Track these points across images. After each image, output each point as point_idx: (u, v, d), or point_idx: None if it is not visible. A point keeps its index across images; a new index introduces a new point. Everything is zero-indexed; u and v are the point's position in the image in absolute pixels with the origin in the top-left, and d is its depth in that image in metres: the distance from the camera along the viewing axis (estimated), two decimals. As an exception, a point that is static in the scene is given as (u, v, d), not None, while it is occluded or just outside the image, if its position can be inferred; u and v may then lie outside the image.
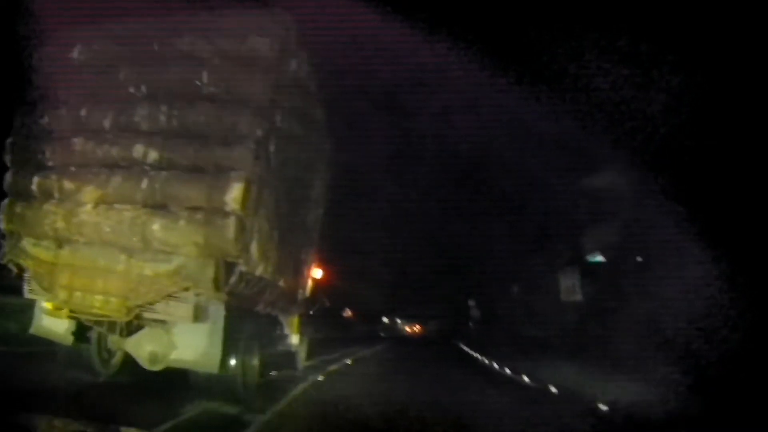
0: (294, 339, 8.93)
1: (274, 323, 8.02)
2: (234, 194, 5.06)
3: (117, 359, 6.82)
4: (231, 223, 5.05)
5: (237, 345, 5.97)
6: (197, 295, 5.29)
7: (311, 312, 10.05)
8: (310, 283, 8.63)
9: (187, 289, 5.28)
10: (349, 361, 13.23)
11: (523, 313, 23.75)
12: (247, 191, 5.14)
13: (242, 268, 5.41)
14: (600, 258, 17.32)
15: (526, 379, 12.03)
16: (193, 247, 5.14)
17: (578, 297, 18.65)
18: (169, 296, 5.36)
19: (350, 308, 28.93)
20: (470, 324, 33.57)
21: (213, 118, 5.40)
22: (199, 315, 5.40)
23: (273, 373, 8.44)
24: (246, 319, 6.21)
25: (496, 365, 15.71)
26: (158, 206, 5.38)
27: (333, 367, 11.11)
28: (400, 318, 48.09)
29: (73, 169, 5.91)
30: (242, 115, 5.32)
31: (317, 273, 8.88)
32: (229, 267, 5.29)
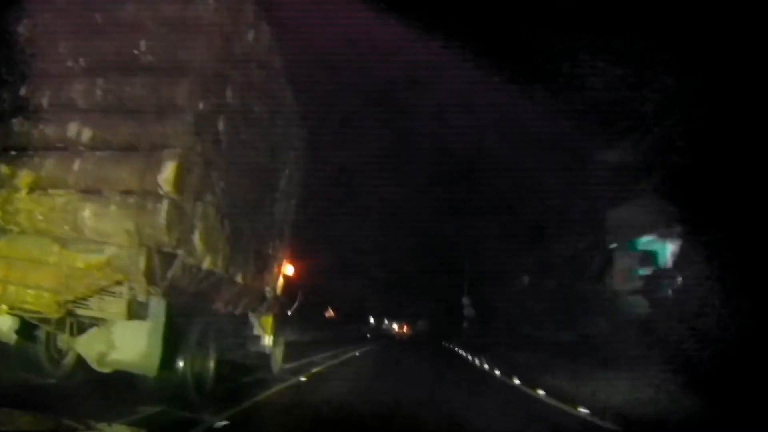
0: (267, 340, 8.35)
1: (242, 323, 7.45)
2: (167, 174, 4.49)
3: (69, 360, 6.29)
4: (163, 208, 4.47)
5: (185, 345, 5.39)
6: (131, 289, 4.72)
7: (289, 312, 9.48)
8: (281, 280, 8.04)
9: (119, 283, 4.71)
10: (303, 375, 10.08)
11: (535, 309, 21.26)
12: (182, 171, 4.56)
13: (184, 259, 4.84)
14: (656, 238, 14.08)
15: (583, 411, 7.80)
16: (124, 235, 4.57)
17: (636, 284, 14.92)
18: (103, 290, 4.81)
19: (333, 307, 27.56)
20: (464, 324, 31.01)
21: (150, 90, 4.85)
22: (134, 311, 4.82)
23: (241, 376, 7.91)
24: (198, 317, 5.64)
25: (517, 382, 11.55)
26: (91, 190, 4.83)
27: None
28: (388, 318, 46.63)
29: (12, 153, 5.41)
30: (180, 84, 4.74)
31: (289, 269, 8.28)
32: (168, 258, 4.72)
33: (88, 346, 5.45)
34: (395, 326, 47.19)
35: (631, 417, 7.06)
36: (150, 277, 4.55)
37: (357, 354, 18.50)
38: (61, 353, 6.21)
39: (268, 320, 8.34)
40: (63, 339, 5.79)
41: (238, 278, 5.94)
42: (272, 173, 6.84)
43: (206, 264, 5.14)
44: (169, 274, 4.71)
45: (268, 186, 6.72)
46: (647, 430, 6.68)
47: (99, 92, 5.07)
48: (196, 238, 4.89)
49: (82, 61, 5.33)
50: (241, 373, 7.75)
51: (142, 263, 4.52)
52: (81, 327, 5.57)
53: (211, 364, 5.98)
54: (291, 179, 7.65)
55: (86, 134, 5.00)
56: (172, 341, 5.12)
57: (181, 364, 5.34)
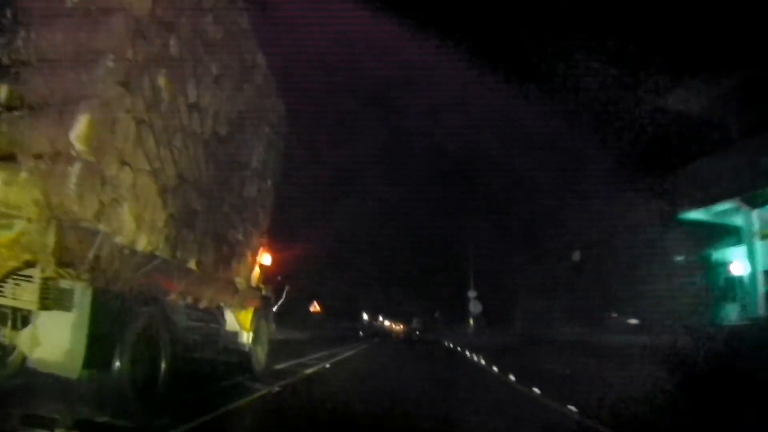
0: (245, 338, 7.53)
1: (212, 318, 6.63)
2: (79, 129, 3.70)
3: (15, 358, 5.55)
4: (74, 171, 3.67)
5: (122, 342, 4.57)
6: (43, 271, 3.94)
7: (274, 307, 8.66)
8: (257, 270, 7.20)
9: (31, 264, 3.94)
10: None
11: (590, 299, 14.38)
12: (99, 127, 3.76)
13: (111, 238, 4.04)
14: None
15: None
16: (33, 207, 3.79)
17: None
18: (15, 273, 4.04)
19: (322, 303, 25.26)
20: (470, 321, 25.89)
21: (72, 37, 4.07)
22: (49, 299, 4.04)
23: (214, 379, 7.07)
24: (141, 309, 4.81)
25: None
26: (5, 156, 4.08)
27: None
28: (384, 315, 44.17)
29: None
30: (102, 25, 3.96)
31: (266, 259, 7.42)
32: (88, 235, 3.92)
33: (26, 342, 4.71)
34: (392, 324, 44.72)
35: None
36: (61, 256, 3.75)
37: (327, 366, 11.72)
38: (6, 350, 5.48)
39: (247, 315, 7.53)
40: (5, 333, 5.05)
41: (191, 265, 5.11)
42: (239, 147, 6.00)
43: (142, 245, 4.32)
44: (91, 255, 3.92)
45: (233, 162, 5.89)
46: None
47: (19, 43, 4.33)
48: (125, 211, 4.08)
49: (8, 13, 4.61)
50: (213, 375, 6.93)
51: (51, 239, 3.73)
52: (26, 320, 4.82)
53: (163, 366, 5.15)
54: (266, 158, 6.82)
55: (3, 92, 4.26)
56: (103, 337, 4.32)
57: (117, 364, 4.52)
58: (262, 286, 7.87)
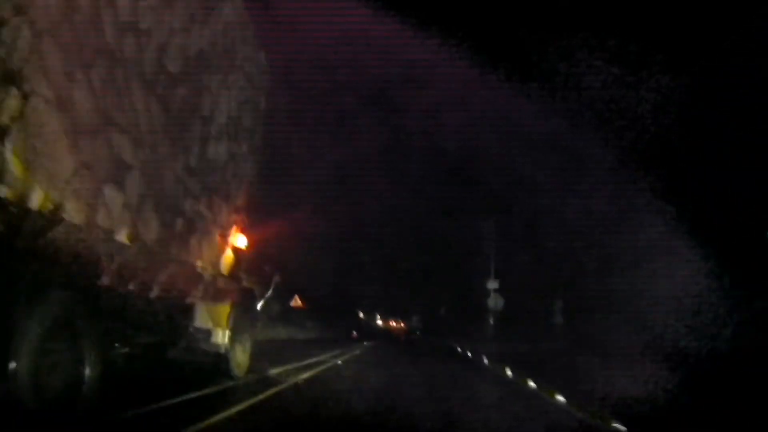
0: (220, 337, 6.31)
1: (171, 312, 5.42)
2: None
3: None
4: None
5: (20, 339, 3.36)
6: None
7: (260, 302, 7.44)
8: (228, 254, 5.97)
9: None
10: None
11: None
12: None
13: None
14: None
15: None
16: None
17: None
18: None
19: (302, 296, 19.67)
20: (489, 319, 19.86)
21: None
22: None
23: (180, 387, 5.84)
24: (51, 294, 3.61)
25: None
26: None
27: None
28: (383, 313, 40.58)
29: None
30: None
31: (241, 241, 6.18)
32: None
33: None
34: (389, 323, 41.45)
35: None
36: None
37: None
38: None
39: (223, 310, 6.31)
40: None
41: (122, 237, 3.90)
42: (199, 94, 4.79)
43: (36, 201, 3.12)
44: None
45: (190, 111, 4.67)
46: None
47: None
48: (6, 150, 2.89)
49: None
50: (175, 382, 5.71)
51: None
52: None
53: (87, 371, 3.92)
54: (241, 115, 5.60)
55: None
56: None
57: (12, 368, 3.32)
58: (242, 275, 6.67)
